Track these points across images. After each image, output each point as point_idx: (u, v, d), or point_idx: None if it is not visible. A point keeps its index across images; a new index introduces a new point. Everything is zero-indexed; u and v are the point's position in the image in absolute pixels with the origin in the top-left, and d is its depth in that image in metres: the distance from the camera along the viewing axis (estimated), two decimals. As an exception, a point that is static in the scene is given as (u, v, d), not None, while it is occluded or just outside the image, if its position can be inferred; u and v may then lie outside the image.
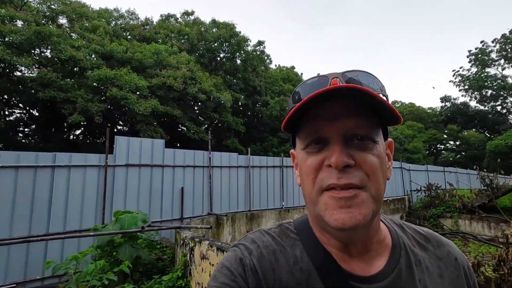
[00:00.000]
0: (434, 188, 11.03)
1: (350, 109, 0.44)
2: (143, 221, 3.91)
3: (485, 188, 9.18)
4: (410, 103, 31.54)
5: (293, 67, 25.40)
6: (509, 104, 25.26)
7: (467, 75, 25.36)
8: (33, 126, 12.48)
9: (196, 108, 14.67)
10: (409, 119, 28.18)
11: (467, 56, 25.32)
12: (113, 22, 14.99)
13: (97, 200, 5.07)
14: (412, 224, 0.60)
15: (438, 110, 29.02)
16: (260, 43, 18.07)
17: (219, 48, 16.03)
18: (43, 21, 10.49)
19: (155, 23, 17.18)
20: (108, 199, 5.13)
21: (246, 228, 6.21)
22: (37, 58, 9.70)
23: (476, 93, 25.30)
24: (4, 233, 4.28)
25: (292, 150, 0.56)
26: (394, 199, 10.13)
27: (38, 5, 10.86)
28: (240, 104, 17.68)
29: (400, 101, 32.90)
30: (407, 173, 11.65)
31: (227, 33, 15.24)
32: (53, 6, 11.11)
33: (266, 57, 20.95)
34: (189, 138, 13.67)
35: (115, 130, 14.37)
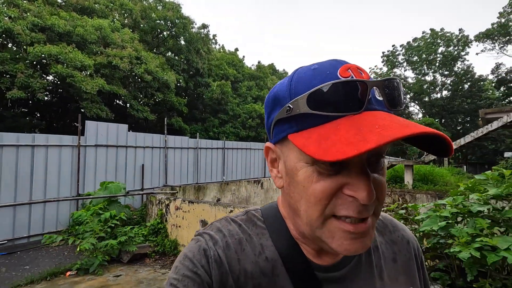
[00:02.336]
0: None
1: None
2: (124, 189, 5.44)
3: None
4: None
5: (236, 49, 26.83)
6: (407, 100, 31.76)
7: (379, 73, 30.73)
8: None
9: (140, 87, 15.18)
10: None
11: (381, 57, 30.56)
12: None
13: (72, 174, 6.23)
14: None
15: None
16: (204, 26, 18.98)
17: (164, 28, 16.46)
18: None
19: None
20: (81, 174, 6.33)
21: (194, 197, 8.05)
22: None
23: (384, 89, 31.03)
24: (-7, 200, 5.25)
25: (268, 144, 0.49)
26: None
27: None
28: (182, 84, 18.57)
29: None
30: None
31: (173, 16, 15.78)
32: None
33: (212, 37, 21.94)
34: (132, 115, 14.34)
35: (38, 101, 14.06)
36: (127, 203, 6.93)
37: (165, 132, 7.97)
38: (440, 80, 28.77)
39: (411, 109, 32.27)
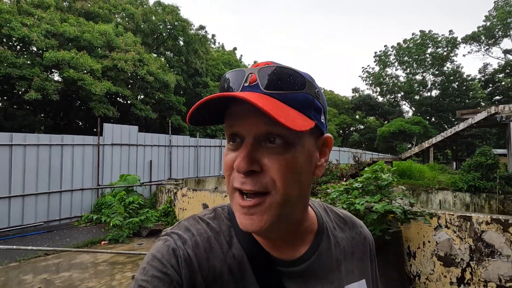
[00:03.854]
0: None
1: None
2: (138, 180, 6.74)
3: (355, 163, 14.21)
4: (330, 91, 38.04)
5: (235, 49, 27.95)
6: (398, 98, 33.19)
7: (371, 72, 32.08)
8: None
9: (142, 87, 16.34)
10: (328, 105, 34.38)
11: (373, 57, 31.87)
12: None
13: (93, 168, 7.51)
14: (334, 207, 0.67)
15: (350, 98, 35.94)
16: (201, 27, 20.14)
17: (164, 31, 17.59)
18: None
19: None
20: (100, 168, 7.61)
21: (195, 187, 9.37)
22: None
23: (376, 87, 32.39)
24: (32, 189, 6.52)
25: None
26: (299, 170, 14.59)
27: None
28: (182, 84, 19.75)
29: (322, 88, 39.20)
30: (311, 152, 16.41)
31: (173, 19, 16.91)
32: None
33: (211, 37, 23.09)
34: (133, 114, 15.55)
35: (44, 100, 15.15)
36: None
37: (169, 132, 9.26)
38: (429, 79, 30.18)
39: (401, 107, 33.71)
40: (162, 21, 17.21)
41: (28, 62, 10.93)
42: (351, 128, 38.79)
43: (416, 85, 30.26)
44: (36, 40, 10.86)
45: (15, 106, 15.03)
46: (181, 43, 18.92)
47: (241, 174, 0.43)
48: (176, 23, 17.37)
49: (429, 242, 2.98)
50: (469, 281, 2.73)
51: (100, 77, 12.60)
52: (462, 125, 10.99)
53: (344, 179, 14.09)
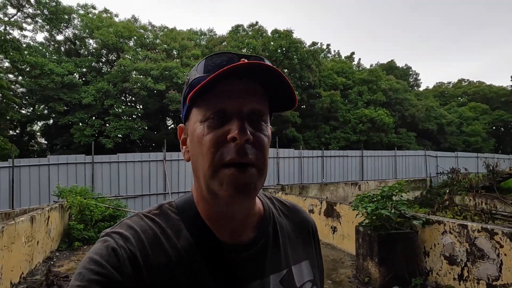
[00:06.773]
0: (455, 172, 14.30)
1: (253, 90, 0.50)
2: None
3: (488, 172, 12.30)
4: (478, 82, 31.18)
5: (352, 53, 28.21)
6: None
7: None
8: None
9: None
10: (473, 99, 28.46)
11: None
12: (200, 41, 20.66)
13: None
14: (278, 196, 0.74)
15: (509, 88, 28.39)
16: (314, 43, 21.93)
17: (280, 56, 20.49)
18: (164, 57, 16.54)
19: (226, 34, 22.37)
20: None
21: (299, 193, 11.15)
22: (168, 84, 15.74)
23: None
24: (182, 188, 10.06)
25: (181, 125, 0.59)
26: (415, 179, 13.82)
27: (163, 45, 16.94)
28: (298, 97, 22.02)
29: (467, 80, 32.53)
30: (433, 159, 14.99)
31: (286, 43, 19.55)
32: (166, 46, 17.09)
33: (325, 47, 24.58)
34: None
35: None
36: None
37: (277, 146, 11.51)
38: None
39: None
40: (278, 46, 20.14)
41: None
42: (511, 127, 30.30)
43: None
44: (191, 83, 15.61)
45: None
46: (296, 61, 21.30)
47: (237, 146, 0.46)
48: (289, 45, 19.92)
49: (438, 244, 3.66)
50: (466, 278, 3.33)
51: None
52: None
53: (473, 191, 12.43)
